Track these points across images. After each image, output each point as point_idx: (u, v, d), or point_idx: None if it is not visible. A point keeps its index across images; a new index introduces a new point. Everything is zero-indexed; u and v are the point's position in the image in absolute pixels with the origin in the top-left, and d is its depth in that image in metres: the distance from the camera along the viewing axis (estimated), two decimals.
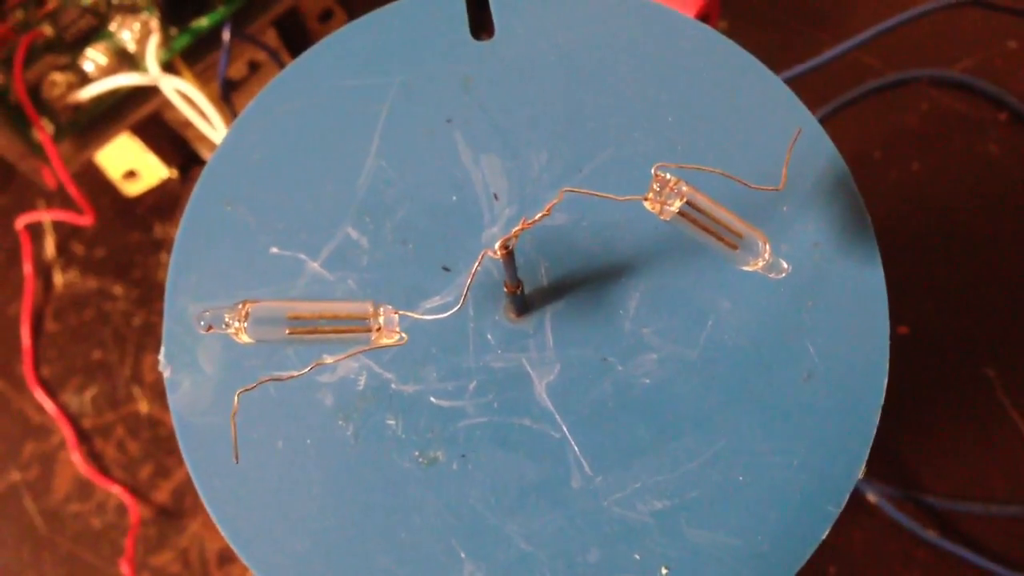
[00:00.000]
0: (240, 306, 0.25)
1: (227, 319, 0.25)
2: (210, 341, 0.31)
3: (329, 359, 0.26)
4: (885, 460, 0.59)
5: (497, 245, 0.25)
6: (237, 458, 0.28)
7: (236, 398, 0.25)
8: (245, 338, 0.25)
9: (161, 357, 0.30)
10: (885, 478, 0.59)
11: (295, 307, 0.25)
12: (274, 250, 0.31)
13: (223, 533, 0.30)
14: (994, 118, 0.65)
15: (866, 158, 0.65)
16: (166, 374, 0.30)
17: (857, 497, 0.58)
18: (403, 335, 0.25)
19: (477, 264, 0.25)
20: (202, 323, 0.25)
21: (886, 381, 0.30)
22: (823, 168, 0.31)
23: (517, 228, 0.24)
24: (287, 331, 0.25)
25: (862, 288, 0.31)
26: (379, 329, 0.25)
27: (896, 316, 0.61)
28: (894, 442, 0.59)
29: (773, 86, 0.33)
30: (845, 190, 0.31)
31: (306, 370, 0.25)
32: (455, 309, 0.26)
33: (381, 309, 0.26)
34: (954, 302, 0.62)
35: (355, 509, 0.30)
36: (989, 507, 0.58)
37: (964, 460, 0.59)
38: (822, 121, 0.44)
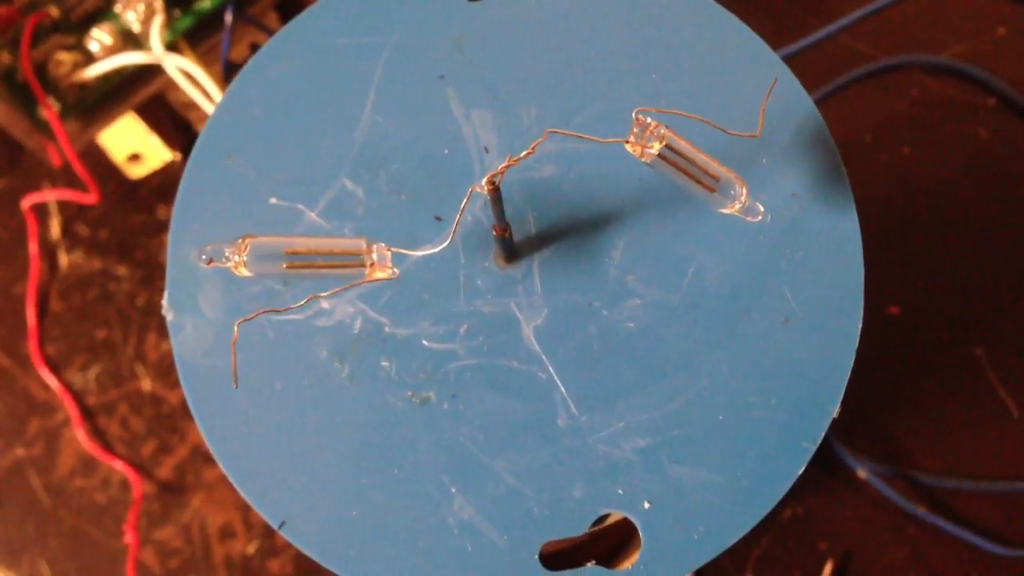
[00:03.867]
0: (240, 241, 0.26)
1: (228, 253, 0.26)
2: (211, 287, 0.32)
3: (325, 294, 0.27)
4: (876, 437, 0.60)
5: (484, 180, 0.26)
6: (236, 383, 0.29)
7: (236, 327, 0.26)
8: (245, 272, 0.26)
9: (164, 301, 0.32)
10: (875, 455, 0.60)
11: (293, 243, 0.26)
12: (273, 200, 0.33)
13: (224, 469, 0.31)
14: (983, 103, 0.66)
15: (857, 142, 0.66)
16: (169, 317, 0.31)
17: (847, 473, 0.59)
18: (395, 269, 0.27)
19: (466, 199, 0.26)
20: (204, 256, 0.26)
21: (860, 325, 0.31)
22: (800, 122, 0.33)
23: (503, 164, 0.25)
24: (284, 265, 0.26)
25: (837, 236, 0.32)
26: (372, 264, 0.27)
27: (887, 297, 0.62)
28: (885, 419, 0.60)
29: (754, 45, 0.34)
30: (821, 143, 0.32)
31: (302, 302, 0.26)
32: (445, 244, 0.27)
33: (374, 245, 0.27)
34: (944, 283, 0.63)
35: (351, 446, 0.31)
36: (978, 483, 0.59)
37: (954, 437, 0.60)
38: None
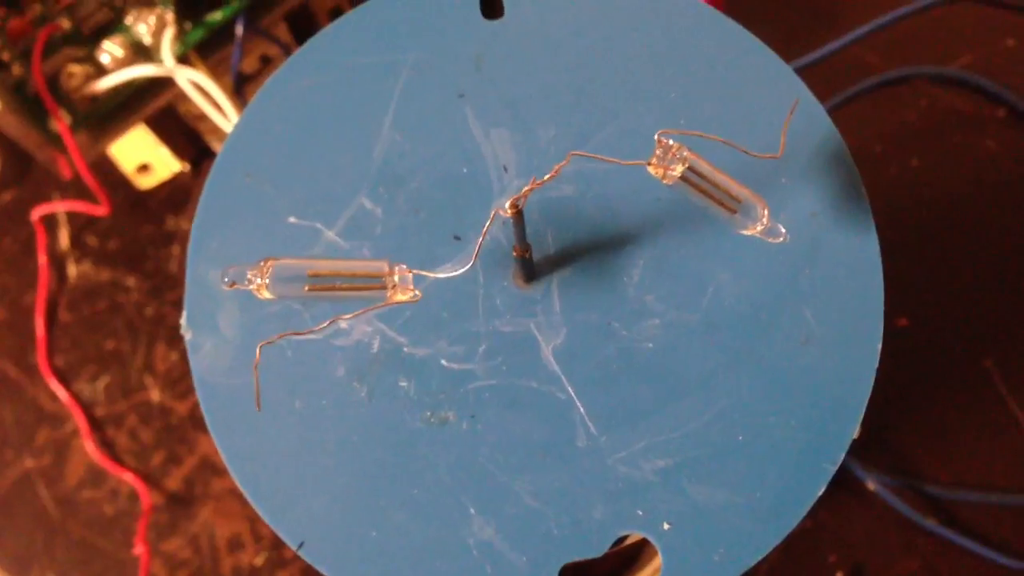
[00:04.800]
0: (262, 263, 0.26)
1: (250, 276, 0.26)
2: (230, 306, 0.32)
3: (346, 316, 0.27)
4: (885, 449, 0.60)
5: (507, 204, 0.26)
6: (259, 406, 0.29)
7: (258, 350, 0.26)
8: (266, 294, 0.26)
9: (183, 321, 0.32)
10: (885, 467, 0.60)
11: (314, 265, 0.26)
12: (292, 219, 0.32)
13: (242, 489, 0.31)
14: (992, 114, 0.66)
15: (866, 154, 0.66)
16: (187, 337, 0.31)
17: (858, 486, 0.59)
18: (417, 292, 0.27)
19: (489, 222, 0.26)
20: (226, 279, 0.26)
21: (880, 345, 0.31)
22: (819, 141, 0.33)
23: (526, 188, 0.25)
24: (306, 288, 0.26)
25: (857, 255, 0.32)
26: (394, 287, 0.27)
27: (896, 309, 0.62)
28: (894, 432, 0.60)
29: (772, 64, 0.34)
30: (841, 162, 0.32)
31: (324, 325, 0.26)
32: (467, 267, 0.27)
33: (396, 268, 0.27)
34: (953, 295, 0.63)
35: (369, 467, 0.31)
36: (988, 496, 0.59)
37: (964, 450, 0.60)
38: None
